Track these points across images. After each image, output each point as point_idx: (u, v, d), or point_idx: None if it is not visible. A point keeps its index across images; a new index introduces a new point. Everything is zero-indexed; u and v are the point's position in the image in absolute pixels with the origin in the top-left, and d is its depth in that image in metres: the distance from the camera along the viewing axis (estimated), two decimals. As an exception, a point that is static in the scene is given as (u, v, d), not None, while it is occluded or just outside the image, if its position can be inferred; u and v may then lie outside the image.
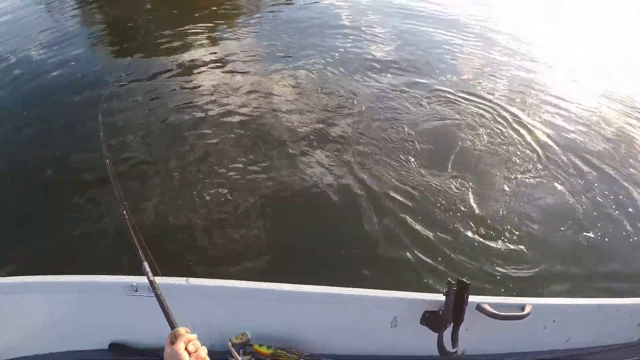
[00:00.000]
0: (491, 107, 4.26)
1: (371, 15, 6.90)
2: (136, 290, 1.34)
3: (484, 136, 3.80)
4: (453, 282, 1.28)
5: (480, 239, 2.75)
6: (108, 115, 3.65)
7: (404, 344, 1.44)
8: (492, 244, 2.72)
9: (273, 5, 7.27)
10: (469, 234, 2.78)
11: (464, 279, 1.27)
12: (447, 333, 1.30)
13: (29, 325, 1.44)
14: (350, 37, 5.84)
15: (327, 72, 4.78)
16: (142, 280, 1.29)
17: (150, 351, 1.39)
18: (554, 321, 1.48)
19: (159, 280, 1.21)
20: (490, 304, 1.33)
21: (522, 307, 1.35)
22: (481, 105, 4.29)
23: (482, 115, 4.12)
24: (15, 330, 1.44)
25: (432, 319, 1.31)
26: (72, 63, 4.91)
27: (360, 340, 1.47)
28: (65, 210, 2.82)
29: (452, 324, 1.28)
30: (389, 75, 4.79)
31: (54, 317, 1.44)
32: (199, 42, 5.55)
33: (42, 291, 1.41)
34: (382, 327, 1.41)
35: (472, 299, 1.31)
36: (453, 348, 1.25)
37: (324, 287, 1.37)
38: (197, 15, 6.55)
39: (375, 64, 5.03)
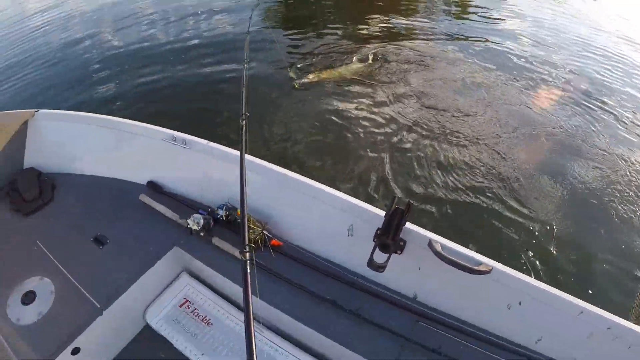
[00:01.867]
0: None
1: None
2: (175, 140, 1.78)
3: None
4: (395, 197, 1.30)
5: None
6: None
7: (356, 256, 1.44)
8: None
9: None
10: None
11: (407, 199, 1.27)
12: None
13: (75, 149, 2.00)
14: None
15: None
16: (180, 134, 1.79)
17: (178, 196, 1.83)
18: (520, 303, 1.28)
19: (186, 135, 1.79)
20: (443, 245, 1.28)
21: (481, 264, 1.25)
22: None
23: None
24: (63, 150, 2.00)
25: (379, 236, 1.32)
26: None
27: (317, 239, 1.61)
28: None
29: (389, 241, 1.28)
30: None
31: (98, 147, 1.98)
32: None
33: (101, 125, 1.93)
34: (340, 232, 1.50)
35: (430, 235, 1.32)
36: (381, 263, 1.25)
37: (306, 178, 1.55)
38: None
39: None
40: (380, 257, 1.30)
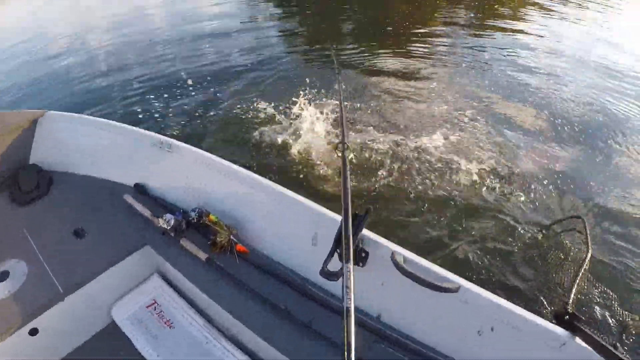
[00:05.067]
0: None
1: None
2: (161, 144, 1.84)
3: None
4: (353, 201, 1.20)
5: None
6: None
7: (319, 267, 1.33)
8: None
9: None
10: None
11: (364, 204, 1.19)
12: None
13: (76, 149, 2.10)
14: None
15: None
16: (167, 139, 1.84)
17: (159, 199, 1.87)
18: (492, 329, 1.13)
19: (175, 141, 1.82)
20: (407, 258, 1.18)
21: (447, 281, 1.13)
22: None
23: None
24: (65, 150, 2.11)
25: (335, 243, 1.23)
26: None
27: (282, 248, 1.57)
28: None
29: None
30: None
31: (96, 149, 2.06)
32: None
33: (99, 128, 2.03)
34: (304, 242, 1.44)
35: (394, 247, 1.22)
36: (334, 271, 1.14)
37: (275, 184, 1.53)
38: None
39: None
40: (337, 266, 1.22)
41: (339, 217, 1.31)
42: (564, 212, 3.15)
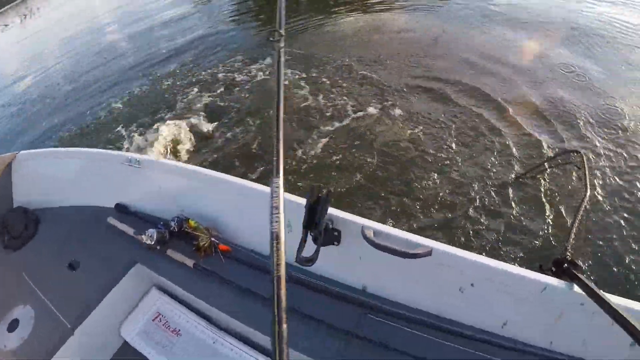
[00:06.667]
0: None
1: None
2: (130, 162, 1.84)
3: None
4: (313, 185, 1.21)
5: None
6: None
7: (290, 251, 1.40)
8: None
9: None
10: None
11: (323, 186, 1.19)
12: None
13: (55, 183, 2.11)
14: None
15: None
16: (134, 155, 1.85)
17: (140, 214, 1.90)
18: (472, 285, 1.15)
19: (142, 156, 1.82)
20: (376, 231, 1.18)
21: (419, 247, 1.12)
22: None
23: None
24: (44, 186, 2.11)
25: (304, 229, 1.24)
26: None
27: (261, 240, 1.55)
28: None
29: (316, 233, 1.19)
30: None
31: (73, 179, 2.07)
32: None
33: (71, 157, 2.04)
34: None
35: (362, 221, 1.22)
36: (305, 257, 1.17)
37: (241, 180, 1.53)
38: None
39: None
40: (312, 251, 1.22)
41: (304, 201, 1.29)
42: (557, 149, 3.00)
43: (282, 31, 1.22)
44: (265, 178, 3.08)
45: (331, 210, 1.25)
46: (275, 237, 0.84)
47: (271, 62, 4.94)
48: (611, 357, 1.06)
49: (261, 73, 5.02)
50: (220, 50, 6.10)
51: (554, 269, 1.27)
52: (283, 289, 0.81)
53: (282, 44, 1.19)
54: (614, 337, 0.97)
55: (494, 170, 2.88)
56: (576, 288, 1.03)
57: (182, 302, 1.68)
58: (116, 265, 1.67)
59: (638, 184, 2.56)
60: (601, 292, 0.99)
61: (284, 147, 1.01)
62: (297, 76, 4.72)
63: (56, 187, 2.11)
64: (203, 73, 5.44)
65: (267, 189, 1.41)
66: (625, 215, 2.38)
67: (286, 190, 1.45)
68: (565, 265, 1.18)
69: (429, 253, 1.09)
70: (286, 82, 4.63)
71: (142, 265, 1.66)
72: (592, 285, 1.05)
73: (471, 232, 2.45)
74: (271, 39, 1.24)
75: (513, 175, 2.80)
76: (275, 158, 0.99)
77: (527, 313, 1.12)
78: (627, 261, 2.15)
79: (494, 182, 2.78)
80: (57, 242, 1.89)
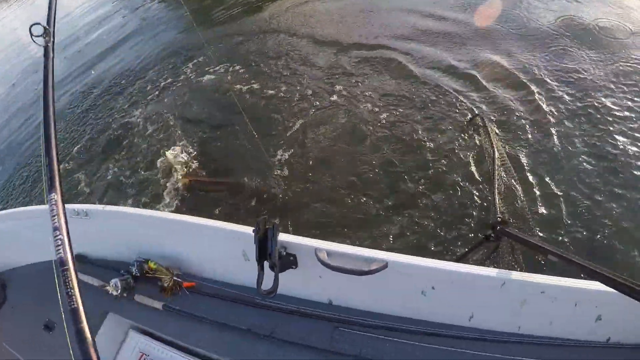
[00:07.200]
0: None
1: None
2: (78, 214, 1.82)
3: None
4: (258, 219, 1.24)
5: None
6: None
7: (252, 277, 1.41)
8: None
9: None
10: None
11: (267, 219, 1.22)
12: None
13: (13, 244, 2.06)
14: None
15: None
16: (80, 206, 1.79)
17: (100, 261, 1.89)
18: (433, 287, 1.21)
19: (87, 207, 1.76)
20: (329, 252, 1.21)
21: (373, 262, 1.16)
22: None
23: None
24: (16, 246, 2.05)
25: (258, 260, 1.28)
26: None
27: (223, 270, 1.63)
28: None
29: (272, 265, 1.23)
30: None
31: (30, 236, 1.98)
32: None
33: (27, 217, 1.98)
34: (238, 260, 1.48)
35: (316, 243, 1.25)
36: (266, 289, 1.20)
37: (194, 218, 1.55)
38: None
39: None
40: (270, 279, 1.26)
41: (250, 230, 1.33)
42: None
43: (52, 29, 1.10)
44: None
45: (283, 237, 1.29)
46: (60, 264, 0.67)
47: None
48: (577, 331, 1.15)
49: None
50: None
51: (492, 235, 1.37)
52: (84, 322, 0.67)
53: (50, 42, 1.07)
54: (578, 315, 1.08)
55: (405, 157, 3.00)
56: (534, 278, 1.10)
57: (161, 339, 1.72)
58: (90, 319, 1.68)
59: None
60: (534, 240, 1.14)
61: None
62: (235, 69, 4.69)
63: (12, 248, 2.07)
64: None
65: (215, 224, 1.45)
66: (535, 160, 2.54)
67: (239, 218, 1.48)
68: (499, 227, 1.28)
69: (384, 267, 1.15)
70: (229, 78, 4.54)
71: (115, 314, 1.68)
72: (526, 237, 1.16)
73: (406, 225, 2.54)
74: (36, 35, 1.05)
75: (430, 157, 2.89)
76: (47, 170, 0.83)
77: (491, 304, 1.19)
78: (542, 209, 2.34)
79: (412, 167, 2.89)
80: (27, 305, 1.89)
